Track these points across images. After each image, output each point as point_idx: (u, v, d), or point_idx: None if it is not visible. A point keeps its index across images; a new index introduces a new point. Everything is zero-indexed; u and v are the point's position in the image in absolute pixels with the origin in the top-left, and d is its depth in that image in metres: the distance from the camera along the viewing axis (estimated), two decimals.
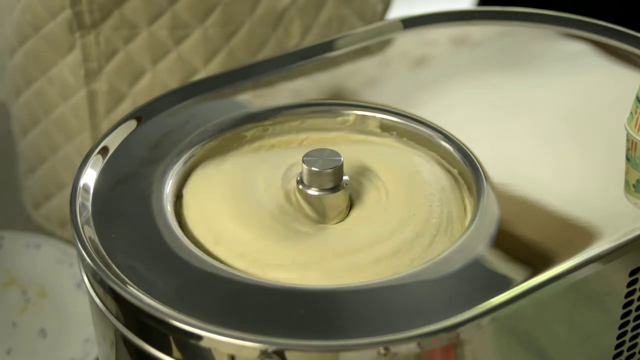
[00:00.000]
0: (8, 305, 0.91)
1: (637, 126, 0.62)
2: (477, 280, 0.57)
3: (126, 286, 0.56)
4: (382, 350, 0.53)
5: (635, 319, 0.63)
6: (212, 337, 0.54)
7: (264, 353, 0.53)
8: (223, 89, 0.73)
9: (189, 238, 0.61)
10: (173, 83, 0.88)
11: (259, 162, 0.67)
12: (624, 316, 0.62)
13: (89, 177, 0.64)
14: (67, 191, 0.92)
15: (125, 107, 0.88)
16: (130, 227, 0.61)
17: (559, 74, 0.75)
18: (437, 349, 0.54)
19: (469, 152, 0.66)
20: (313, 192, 0.62)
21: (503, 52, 0.78)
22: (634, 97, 0.64)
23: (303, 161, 0.62)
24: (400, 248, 0.60)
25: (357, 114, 0.70)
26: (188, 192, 0.64)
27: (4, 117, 1.03)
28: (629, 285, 0.61)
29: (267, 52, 0.90)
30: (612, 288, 0.61)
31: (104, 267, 0.58)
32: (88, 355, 0.85)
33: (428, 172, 0.66)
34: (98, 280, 0.58)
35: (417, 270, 0.58)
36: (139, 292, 0.56)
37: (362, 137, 0.69)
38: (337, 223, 0.63)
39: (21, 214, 1.00)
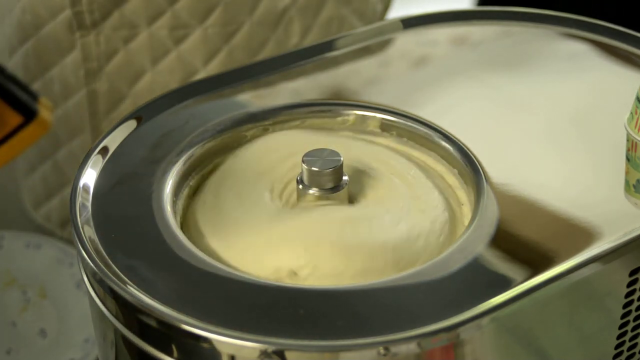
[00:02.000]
0: (8, 305, 0.91)
1: (637, 126, 0.62)
2: (477, 280, 0.57)
3: (126, 286, 0.56)
4: (382, 350, 0.53)
5: (635, 319, 0.63)
6: (212, 337, 0.54)
7: (264, 353, 0.53)
8: (223, 89, 0.73)
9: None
10: (173, 83, 0.88)
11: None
12: (624, 316, 0.62)
13: (89, 177, 0.64)
14: (67, 191, 0.92)
15: (125, 107, 0.88)
16: (130, 227, 0.61)
17: (559, 74, 0.75)
18: (437, 349, 0.54)
19: (469, 152, 0.66)
20: (313, 192, 0.62)
21: (503, 52, 0.78)
22: (634, 97, 0.64)
23: (303, 161, 0.62)
24: (400, 248, 0.60)
25: (357, 114, 0.70)
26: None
27: None
28: (629, 285, 0.61)
29: (267, 52, 0.90)
30: (612, 288, 0.61)
31: (104, 267, 0.58)
32: (88, 355, 0.85)
33: (427, 172, 0.66)
34: (98, 280, 0.58)
35: (417, 270, 0.58)
36: (139, 292, 0.56)
37: (362, 137, 0.69)
38: None
39: (21, 214, 1.00)
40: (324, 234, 0.60)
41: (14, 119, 0.54)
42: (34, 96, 0.55)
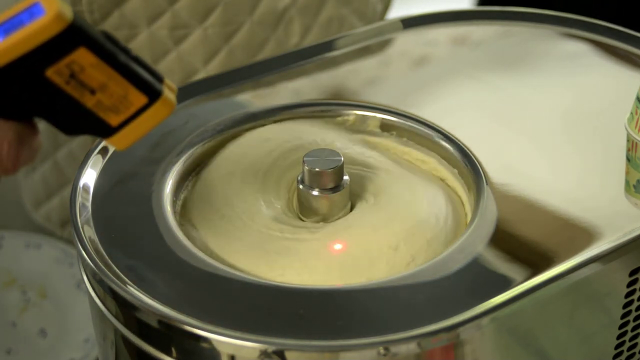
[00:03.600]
0: (8, 305, 0.91)
1: (638, 127, 0.62)
2: (477, 280, 0.57)
3: (126, 286, 0.56)
4: (382, 350, 0.53)
5: (635, 319, 0.63)
6: (212, 337, 0.54)
7: (264, 353, 0.53)
8: (223, 89, 0.73)
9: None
10: (173, 83, 0.88)
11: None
12: (624, 316, 0.62)
13: (89, 177, 0.64)
14: (67, 191, 0.92)
15: None
16: (130, 227, 0.61)
17: (558, 74, 0.75)
18: (437, 349, 0.54)
19: (469, 152, 0.66)
20: (314, 192, 0.62)
21: (503, 52, 0.78)
22: (634, 97, 0.64)
23: (303, 161, 0.62)
24: (401, 248, 0.60)
25: (357, 114, 0.70)
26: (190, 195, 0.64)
27: None
28: (629, 285, 0.61)
29: (267, 52, 0.90)
30: (612, 288, 0.61)
31: (104, 267, 0.58)
32: (88, 355, 0.85)
33: (427, 172, 0.66)
34: (98, 280, 0.58)
35: (417, 270, 0.58)
36: (139, 292, 0.56)
37: (362, 137, 0.69)
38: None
39: (21, 214, 1.00)
40: (321, 246, 0.60)
41: (139, 99, 0.56)
42: (158, 77, 0.57)
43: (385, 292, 0.56)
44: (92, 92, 0.54)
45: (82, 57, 0.53)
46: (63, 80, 0.54)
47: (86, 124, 0.56)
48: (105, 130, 0.56)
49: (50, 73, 0.53)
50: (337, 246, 0.60)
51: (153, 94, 0.56)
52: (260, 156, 0.67)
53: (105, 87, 0.54)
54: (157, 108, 0.56)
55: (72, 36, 0.53)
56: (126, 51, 0.55)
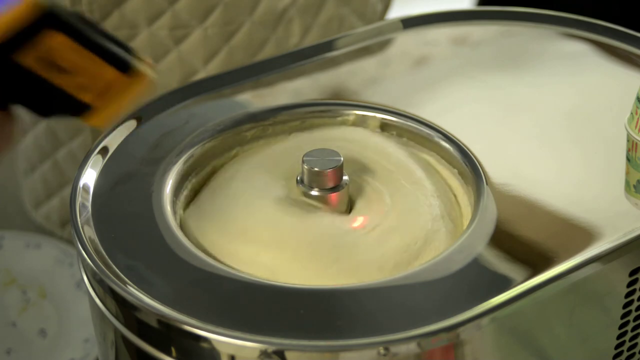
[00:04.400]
0: (8, 305, 0.91)
1: (638, 127, 0.62)
2: (477, 280, 0.57)
3: (126, 286, 0.56)
4: (382, 350, 0.53)
5: (635, 319, 0.63)
6: (212, 337, 0.54)
7: (264, 353, 0.53)
8: (223, 89, 0.73)
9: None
10: (173, 83, 0.88)
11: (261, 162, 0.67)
12: (624, 316, 0.62)
13: (89, 177, 0.64)
14: (68, 191, 0.92)
15: None
16: (130, 227, 0.61)
17: (559, 74, 0.75)
18: (437, 349, 0.54)
19: (469, 152, 0.66)
20: (313, 192, 0.62)
21: (503, 52, 0.78)
22: (634, 97, 0.64)
23: (303, 161, 0.62)
24: (400, 248, 0.60)
25: (357, 114, 0.70)
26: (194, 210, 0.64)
27: None
28: (629, 285, 0.61)
29: (267, 52, 0.90)
30: (612, 288, 0.61)
31: (104, 267, 0.58)
32: (88, 355, 0.85)
33: (428, 171, 0.66)
34: (98, 280, 0.58)
35: (417, 270, 0.58)
36: (139, 292, 0.56)
37: (362, 137, 0.69)
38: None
39: (21, 214, 1.00)
40: (319, 246, 0.60)
41: (110, 73, 0.55)
42: (129, 50, 0.56)
43: (386, 292, 0.57)
44: (64, 71, 0.54)
45: (51, 37, 0.53)
46: (33, 62, 0.53)
47: (60, 104, 0.55)
48: (79, 109, 0.56)
49: (21, 56, 0.53)
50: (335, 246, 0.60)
51: (124, 67, 0.55)
52: (263, 158, 0.67)
53: (75, 65, 0.54)
54: (130, 81, 0.56)
55: (42, 18, 0.53)
56: (93, 26, 0.55)
